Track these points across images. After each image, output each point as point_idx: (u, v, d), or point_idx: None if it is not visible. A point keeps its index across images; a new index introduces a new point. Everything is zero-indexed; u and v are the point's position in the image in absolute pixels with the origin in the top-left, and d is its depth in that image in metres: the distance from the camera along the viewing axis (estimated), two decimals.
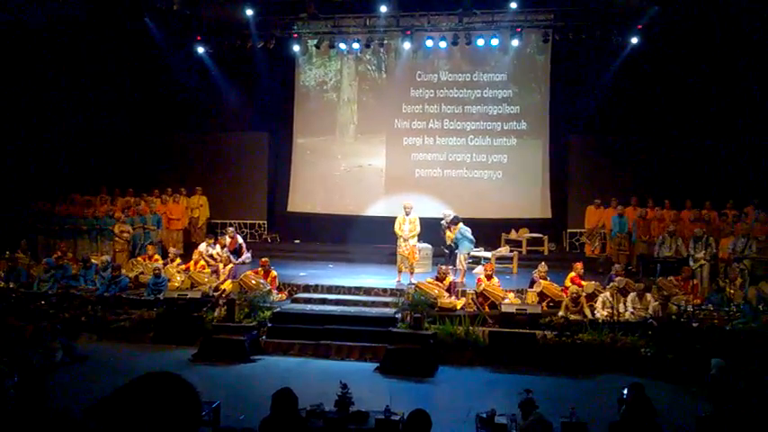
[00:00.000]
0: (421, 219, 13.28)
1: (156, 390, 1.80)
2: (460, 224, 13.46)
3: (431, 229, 14.00)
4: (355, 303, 12.17)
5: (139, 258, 14.24)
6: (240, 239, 14.88)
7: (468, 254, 13.41)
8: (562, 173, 17.06)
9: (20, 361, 8.04)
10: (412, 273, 12.98)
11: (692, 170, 15.70)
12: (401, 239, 12.98)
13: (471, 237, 13.44)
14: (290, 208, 18.04)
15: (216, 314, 11.43)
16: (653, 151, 16.26)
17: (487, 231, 16.10)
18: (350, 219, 17.10)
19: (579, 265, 12.62)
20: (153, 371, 1.86)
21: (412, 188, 16.62)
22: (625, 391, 6.68)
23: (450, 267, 12.95)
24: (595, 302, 11.55)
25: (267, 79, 17.44)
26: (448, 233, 13.45)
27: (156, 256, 13.96)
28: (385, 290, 12.65)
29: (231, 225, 16.70)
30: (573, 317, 11.07)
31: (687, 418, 7.48)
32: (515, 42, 16.00)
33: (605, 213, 15.48)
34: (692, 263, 13.17)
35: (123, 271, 13.42)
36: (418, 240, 13.33)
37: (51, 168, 16.78)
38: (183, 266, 13.56)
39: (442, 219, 13.92)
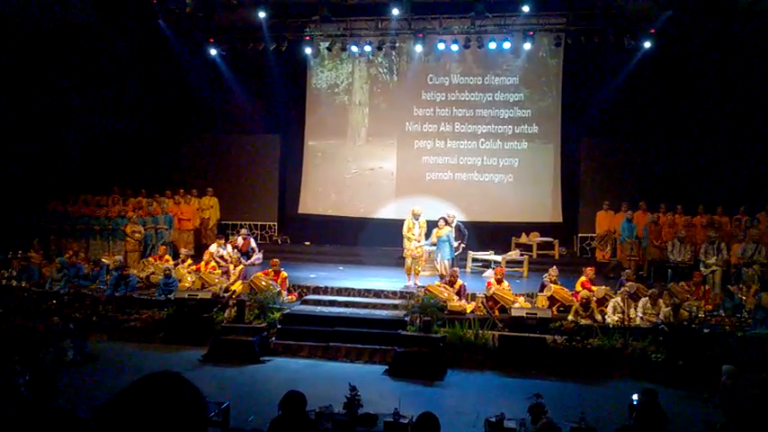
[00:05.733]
0: (431, 222, 13.29)
1: (160, 391, 1.78)
2: (451, 229, 13.35)
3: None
4: (365, 306, 12.15)
5: (150, 258, 14.33)
6: (253, 243, 14.92)
7: (450, 261, 13.24)
8: (573, 177, 16.99)
9: (32, 360, 8.11)
10: (417, 275, 13.00)
11: (705, 175, 15.61)
12: (413, 242, 12.98)
13: (453, 246, 13.30)
14: (300, 210, 18.09)
15: (226, 315, 11.47)
16: (665, 156, 16.17)
17: (498, 235, 16.12)
18: (360, 221, 17.13)
19: (590, 270, 12.58)
20: (159, 371, 1.85)
21: (422, 191, 16.63)
22: (635, 397, 6.63)
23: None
24: (606, 307, 11.49)
25: (279, 82, 17.52)
26: (436, 230, 13.35)
27: (167, 257, 14.04)
28: (395, 292, 12.64)
29: (243, 227, 16.82)
30: (583, 321, 11.03)
31: (697, 425, 7.42)
32: (527, 46, 15.97)
33: (616, 218, 15.41)
34: (703, 268, 13.10)
35: (134, 271, 13.51)
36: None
37: (64, 169, 16.93)
38: (194, 267, 13.62)
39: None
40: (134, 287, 12.69)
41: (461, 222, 14.14)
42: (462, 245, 13.78)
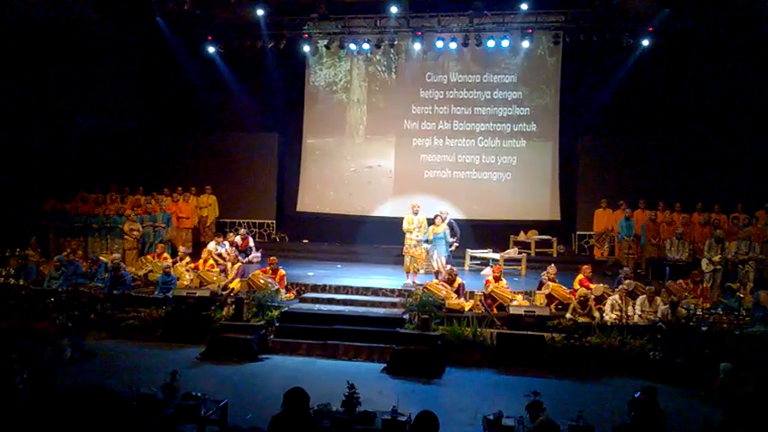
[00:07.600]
0: (429, 219, 13.29)
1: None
2: (446, 226, 13.32)
3: None
4: (363, 303, 12.16)
5: (148, 257, 14.30)
6: (252, 242, 14.91)
7: (446, 258, 13.21)
8: (571, 175, 17.01)
9: (30, 358, 8.08)
10: (416, 273, 13.00)
11: (703, 172, 15.64)
12: (412, 240, 12.96)
13: (449, 242, 13.28)
14: (299, 208, 18.09)
15: (224, 313, 11.45)
16: (663, 153, 16.20)
17: (496, 233, 16.14)
18: (358, 219, 17.14)
19: (587, 268, 12.59)
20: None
21: (421, 189, 16.63)
22: (638, 394, 6.64)
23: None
24: (604, 305, 11.51)
25: (277, 80, 17.50)
26: (433, 227, 13.31)
27: (165, 255, 14.02)
28: (393, 290, 12.65)
29: (241, 225, 16.83)
30: (581, 319, 11.04)
31: (695, 423, 7.43)
32: (526, 44, 15.99)
33: (614, 216, 15.42)
34: (705, 266, 13.05)
35: (132, 269, 13.49)
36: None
37: (62, 167, 16.90)
38: (192, 265, 13.61)
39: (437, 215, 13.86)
40: (130, 285, 12.66)
41: (454, 220, 14.10)
42: (456, 243, 13.72)
